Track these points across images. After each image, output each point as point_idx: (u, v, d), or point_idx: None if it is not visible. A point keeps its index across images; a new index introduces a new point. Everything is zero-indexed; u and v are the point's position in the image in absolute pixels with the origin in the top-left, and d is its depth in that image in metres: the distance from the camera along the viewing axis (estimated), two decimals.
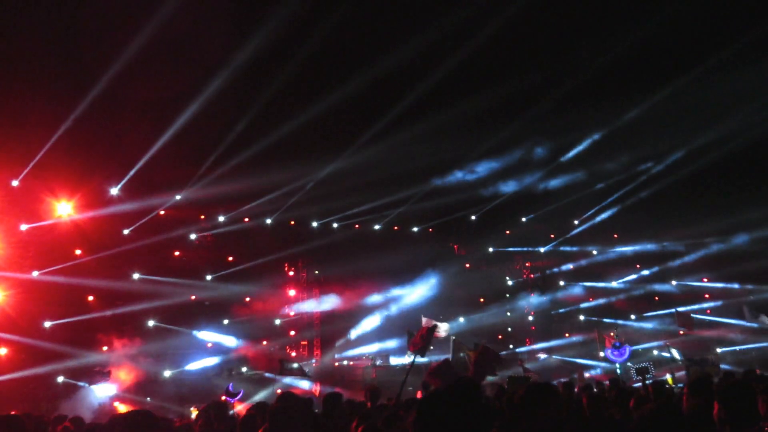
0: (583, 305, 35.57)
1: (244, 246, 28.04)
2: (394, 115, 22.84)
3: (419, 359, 7.83)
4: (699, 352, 28.04)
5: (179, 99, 20.53)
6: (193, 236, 27.03)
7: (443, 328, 18.21)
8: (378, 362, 30.07)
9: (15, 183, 21.19)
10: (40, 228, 22.09)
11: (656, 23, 20.96)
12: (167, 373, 25.60)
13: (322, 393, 26.57)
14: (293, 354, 30.52)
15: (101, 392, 23.20)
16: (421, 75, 22.27)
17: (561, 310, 35.74)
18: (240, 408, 18.16)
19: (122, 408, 22.57)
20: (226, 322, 27.87)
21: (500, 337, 33.31)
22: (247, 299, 28.57)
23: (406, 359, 28.82)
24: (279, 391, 25.73)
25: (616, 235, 35.10)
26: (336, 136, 24.78)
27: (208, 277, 27.49)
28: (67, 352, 22.10)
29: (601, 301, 35.25)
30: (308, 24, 20.15)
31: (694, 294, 34.20)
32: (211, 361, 27.25)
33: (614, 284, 35.59)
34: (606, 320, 33.26)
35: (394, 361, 30.13)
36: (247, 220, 27.88)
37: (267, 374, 27.55)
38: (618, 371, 27.44)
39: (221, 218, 27.08)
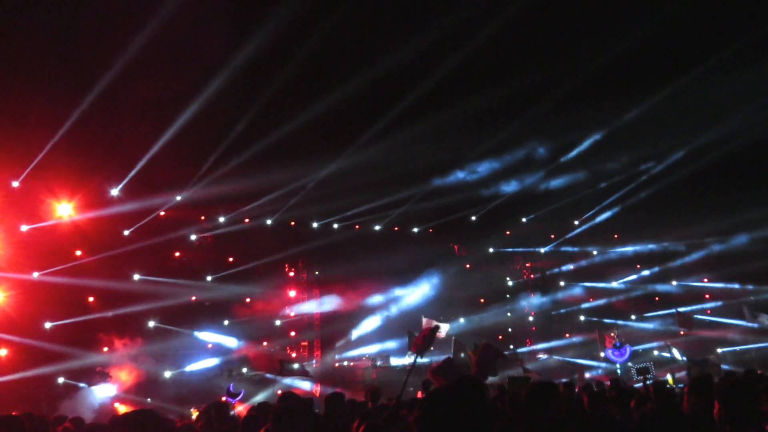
0: (584, 306, 35.58)
1: (245, 247, 28.02)
2: (394, 116, 22.86)
3: (420, 360, 7.83)
4: (700, 353, 28.06)
5: (179, 99, 20.54)
6: (193, 237, 27.03)
7: (443, 329, 18.22)
8: (378, 363, 30.06)
9: (15, 184, 21.18)
10: (40, 229, 22.08)
11: (656, 23, 20.97)
12: (167, 374, 25.59)
13: (322, 393, 26.57)
14: (293, 355, 30.52)
15: (101, 393, 23.19)
16: (421, 75, 22.28)
17: (561, 311, 35.74)
18: (240, 409, 18.18)
19: (122, 408, 22.56)
20: (226, 322, 27.87)
21: (500, 337, 33.28)
22: (248, 300, 28.57)
23: (407, 360, 28.82)
24: (279, 391, 25.76)
25: (616, 236, 35.11)
26: (336, 137, 24.79)
27: (209, 278, 27.50)
28: (67, 352, 22.10)
29: (602, 301, 35.24)
30: (308, 24, 20.15)
31: (695, 294, 34.20)
32: (212, 361, 27.24)
33: (614, 284, 35.60)
34: (606, 320, 33.27)
35: (395, 361, 30.12)
36: (247, 220, 27.88)
37: (267, 375, 27.54)
38: (618, 371, 27.47)
39: (221, 219, 27.09)
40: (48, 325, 22.43)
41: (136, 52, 17.90)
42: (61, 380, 22.74)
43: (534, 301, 35.62)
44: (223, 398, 17.55)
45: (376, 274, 29.06)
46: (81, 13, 18.29)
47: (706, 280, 34.37)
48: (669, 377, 23.90)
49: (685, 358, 27.15)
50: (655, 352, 32.00)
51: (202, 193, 24.60)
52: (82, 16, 18.34)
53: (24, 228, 21.72)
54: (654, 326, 33.77)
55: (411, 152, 23.44)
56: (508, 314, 34.95)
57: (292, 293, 31.24)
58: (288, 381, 27.04)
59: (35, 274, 21.90)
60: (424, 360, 17.47)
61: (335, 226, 29.85)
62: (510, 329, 34.82)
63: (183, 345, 26.58)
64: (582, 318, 35.40)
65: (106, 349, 24.12)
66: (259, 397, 25.30)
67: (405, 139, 22.71)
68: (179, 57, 19.58)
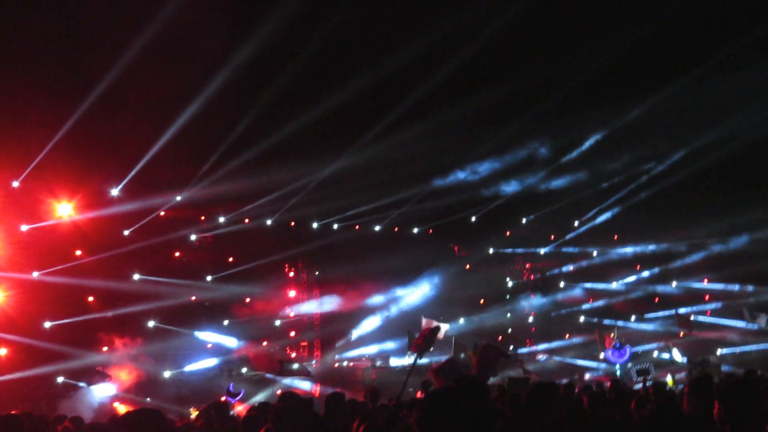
0: (584, 306, 35.58)
1: (245, 247, 28.00)
2: (395, 116, 22.87)
3: (419, 360, 7.84)
4: (700, 354, 28.06)
5: (179, 99, 20.53)
6: (193, 237, 27.00)
7: (443, 330, 18.24)
8: (378, 363, 30.07)
9: (15, 184, 21.18)
10: (40, 229, 22.08)
11: (656, 24, 20.96)
12: (167, 374, 25.59)
13: (322, 394, 26.57)
14: (293, 355, 30.53)
15: (101, 392, 23.19)
16: (422, 76, 22.27)
17: (561, 312, 35.73)
18: (240, 409, 18.19)
19: (122, 408, 22.56)
20: (226, 322, 27.86)
21: (500, 338, 33.28)
22: (248, 300, 28.57)
23: (406, 360, 28.84)
24: (279, 391, 25.76)
25: (616, 237, 35.09)
26: (336, 137, 24.76)
27: (209, 278, 27.48)
28: (67, 352, 22.10)
29: (602, 302, 35.23)
30: (307, 24, 20.14)
31: (695, 295, 34.20)
32: (211, 361, 27.24)
33: (614, 285, 35.58)
34: (606, 321, 33.27)
35: (394, 362, 30.13)
36: (247, 220, 27.86)
37: (267, 375, 27.55)
38: (618, 373, 27.47)
39: (221, 219, 27.07)
40: (48, 324, 22.42)
41: (136, 52, 17.91)
42: (60, 380, 22.74)
43: (534, 301, 35.64)
44: (223, 398, 17.57)
45: (376, 275, 29.07)
46: (81, 13, 18.28)
47: (706, 281, 34.35)
48: (669, 378, 23.92)
49: (685, 359, 27.18)
50: (655, 353, 32.02)
51: (202, 193, 24.60)
52: (81, 16, 18.34)
53: (24, 228, 21.72)
54: (654, 327, 33.78)
55: (411, 153, 23.44)
56: (508, 315, 34.95)
57: (292, 293, 31.24)
58: (288, 381, 27.07)
59: (35, 274, 21.89)
60: (424, 361, 17.48)
61: (335, 226, 29.83)
62: (510, 330, 34.82)
63: (183, 345, 26.57)
64: (582, 319, 35.40)
65: (105, 348, 24.13)
66: (259, 397, 25.31)
67: (405, 139, 22.72)
68: (179, 57, 19.56)
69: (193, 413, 19.21)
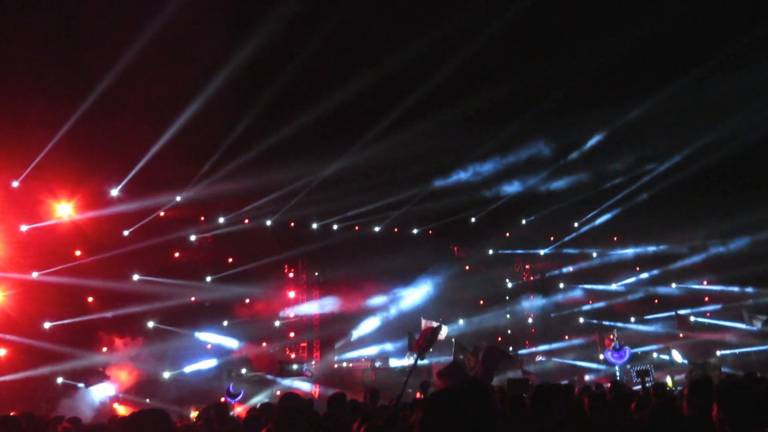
0: (584, 308, 35.59)
1: (244, 247, 27.99)
2: (395, 117, 22.86)
3: (420, 361, 7.82)
4: (700, 355, 28.10)
5: (179, 100, 20.53)
6: (193, 237, 27.00)
7: (442, 332, 18.25)
8: (377, 364, 30.06)
9: (15, 184, 21.17)
10: (40, 229, 22.07)
11: (655, 24, 20.96)
12: (167, 374, 25.57)
13: (321, 395, 26.60)
14: (293, 356, 30.54)
15: (101, 393, 23.18)
16: (422, 76, 22.26)
17: (561, 313, 35.73)
18: (240, 410, 18.18)
19: (121, 409, 22.55)
20: (225, 323, 27.85)
21: (500, 339, 33.31)
22: (247, 301, 28.56)
23: (406, 361, 28.85)
24: (278, 392, 25.78)
25: (615, 238, 35.11)
26: (336, 137, 24.75)
27: (208, 279, 27.48)
28: (66, 352, 22.08)
29: (602, 303, 35.24)
30: (307, 25, 20.14)
31: (695, 297, 34.22)
32: (211, 362, 27.22)
33: (614, 287, 35.60)
34: (606, 323, 33.29)
35: (394, 363, 30.12)
36: (247, 221, 27.86)
37: (267, 376, 27.55)
38: (618, 374, 27.47)
39: (221, 219, 27.08)
40: (47, 325, 22.40)
41: (136, 52, 17.91)
42: (60, 380, 22.71)
43: (534, 302, 35.64)
44: (223, 399, 17.57)
45: (375, 276, 29.07)
46: (80, 13, 18.28)
47: (705, 282, 34.38)
48: (668, 380, 23.92)
49: (686, 361, 27.21)
50: (655, 355, 32.04)
51: (202, 194, 24.61)
52: (81, 16, 18.33)
53: (24, 228, 21.71)
54: (654, 329, 33.80)
55: (411, 153, 23.42)
56: (508, 316, 34.97)
57: (292, 294, 31.26)
58: (288, 382, 27.08)
59: (35, 274, 21.87)
60: (424, 362, 17.50)
61: (335, 227, 29.83)
62: (509, 331, 34.85)
63: (182, 345, 26.54)
64: (581, 320, 35.41)
65: (105, 349, 24.11)
66: (258, 398, 25.31)
67: (405, 140, 22.70)
68: (179, 57, 19.55)
69: (194, 414, 19.22)
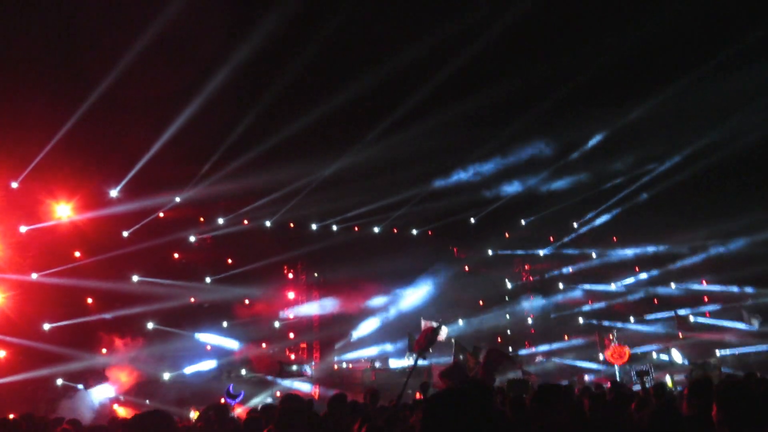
0: (583, 308, 35.60)
1: (244, 248, 27.98)
2: (394, 117, 22.86)
3: (420, 362, 7.83)
4: (700, 355, 28.12)
5: (178, 100, 20.51)
6: (192, 238, 26.98)
7: (443, 332, 18.25)
8: (377, 365, 30.07)
9: (14, 185, 21.16)
10: (39, 230, 22.05)
11: (655, 24, 20.96)
12: (166, 376, 25.55)
13: (321, 395, 26.59)
14: (292, 357, 30.54)
15: (100, 394, 23.16)
16: (422, 76, 22.26)
17: (560, 313, 35.74)
18: (239, 411, 18.15)
19: (121, 410, 22.53)
20: (225, 324, 27.83)
21: (499, 340, 33.31)
22: (247, 301, 28.54)
23: (406, 362, 28.85)
24: (278, 393, 25.79)
25: (615, 238, 35.13)
26: (336, 138, 24.74)
27: (208, 280, 27.46)
28: (66, 354, 22.05)
29: (601, 304, 35.24)
30: (307, 25, 20.13)
31: (694, 297, 34.24)
32: (210, 363, 27.20)
33: (613, 287, 35.60)
34: (606, 323, 33.30)
35: (394, 363, 30.13)
36: (246, 222, 27.85)
37: (268, 377, 27.54)
38: (617, 374, 27.49)
39: (221, 220, 27.06)
40: (47, 326, 22.37)
41: (136, 52, 17.90)
42: (59, 382, 22.69)
43: (533, 303, 35.64)
44: (222, 400, 17.55)
45: (375, 277, 29.06)
46: (80, 13, 18.26)
47: (705, 282, 34.40)
48: (668, 380, 23.94)
49: (686, 361, 27.22)
50: (654, 355, 32.05)
51: (201, 194, 24.59)
52: (80, 17, 18.32)
53: (23, 229, 21.69)
54: (653, 329, 33.81)
55: (410, 154, 23.42)
56: (507, 317, 34.96)
57: (291, 295, 31.25)
58: (287, 383, 27.07)
59: (34, 275, 21.86)
60: (424, 362, 17.49)
61: (334, 227, 29.83)
62: (509, 331, 34.83)
63: (182, 347, 26.52)
64: (581, 320, 35.42)
65: (105, 350, 24.08)
66: (258, 399, 25.31)
67: (404, 140, 22.70)
68: (179, 57, 19.54)
69: (194, 414, 19.21)
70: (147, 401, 23.76)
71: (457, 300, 31.30)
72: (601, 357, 30.16)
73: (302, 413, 5.05)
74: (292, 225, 29.16)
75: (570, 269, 36.19)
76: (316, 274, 31.82)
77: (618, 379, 25.25)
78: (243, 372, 27.87)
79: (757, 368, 21.48)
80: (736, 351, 31.07)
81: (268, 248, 28.09)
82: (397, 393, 7.93)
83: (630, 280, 35.49)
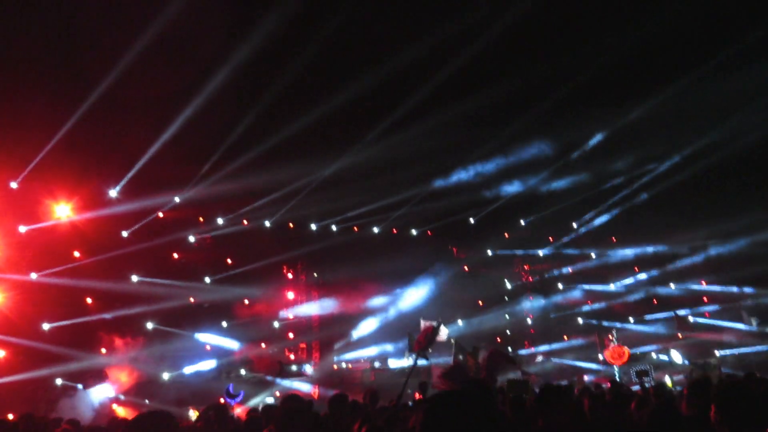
0: (582, 308, 35.61)
1: (243, 248, 27.97)
2: (394, 118, 22.86)
3: (419, 362, 7.82)
4: (699, 356, 28.12)
5: (178, 100, 20.50)
6: (192, 238, 26.95)
7: (443, 333, 18.22)
8: (377, 365, 30.06)
9: (14, 185, 21.12)
10: (38, 230, 22.02)
11: (656, 25, 20.96)
12: (166, 376, 25.55)
13: (321, 395, 26.59)
14: (292, 357, 30.53)
15: (100, 394, 23.16)
16: (422, 76, 22.26)
17: (560, 314, 35.75)
18: (239, 411, 18.14)
19: (121, 410, 22.52)
20: (224, 324, 27.82)
21: (499, 340, 33.32)
22: (246, 302, 28.53)
23: (405, 362, 28.84)
24: (277, 393, 25.77)
25: (614, 239, 35.14)
26: (335, 138, 24.74)
27: (207, 280, 27.45)
28: (65, 354, 22.04)
29: (601, 304, 35.26)
30: (307, 25, 20.13)
31: (693, 297, 34.26)
32: (210, 363, 27.20)
33: (613, 287, 35.61)
34: (605, 323, 33.31)
35: (393, 363, 30.12)
36: (246, 222, 27.83)
37: (268, 377, 27.54)
38: (617, 375, 27.49)
39: (220, 220, 27.05)
40: (46, 326, 22.36)
41: (135, 52, 17.89)
42: (59, 382, 22.68)
43: (533, 303, 35.64)
44: (222, 400, 17.53)
45: (375, 277, 29.06)
46: (80, 13, 18.26)
47: (704, 283, 34.41)
48: (667, 380, 23.93)
49: (686, 362, 27.22)
50: (654, 355, 32.05)
51: (200, 195, 24.56)
52: (80, 17, 18.31)
53: (22, 229, 21.66)
54: (653, 329, 33.82)
55: (410, 154, 23.41)
56: (507, 317, 34.97)
57: (291, 295, 31.25)
58: (287, 383, 27.07)
59: (33, 275, 21.84)
60: (423, 362, 17.47)
61: (334, 228, 29.82)
62: (508, 332, 34.83)
63: (182, 347, 26.51)
64: (580, 321, 35.43)
65: (104, 350, 24.07)
66: (258, 399, 25.30)
67: (404, 141, 22.70)
68: (179, 57, 19.53)
69: (192, 413, 19.20)
70: (146, 401, 23.76)
71: (456, 300, 31.29)
72: (600, 357, 30.15)
73: (303, 413, 5.05)
74: (291, 225, 29.15)
75: (569, 269, 36.21)
76: (315, 275, 31.82)
77: (617, 379, 25.25)
78: (243, 372, 27.86)
79: (756, 368, 21.49)
80: (736, 351, 31.08)
81: (267, 248, 28.09)
82: (396, 393, 7.92)
83: (629, 281, 35.51)
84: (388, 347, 30.45)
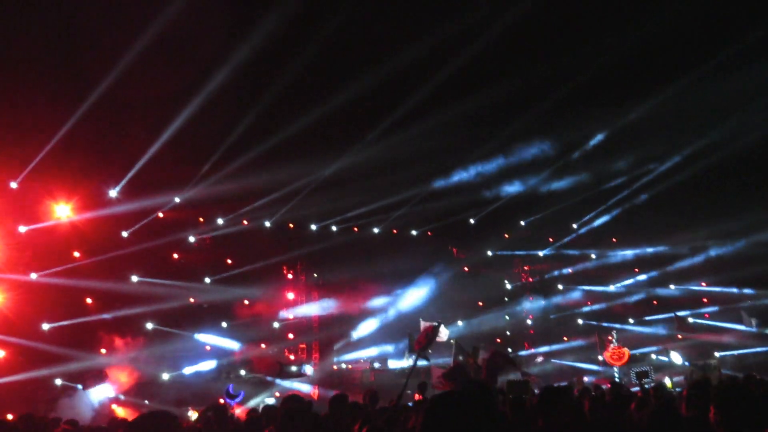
0: (582, 309, 35.59)
1: (243, 248, 27.95)
2: (394, 118, 22.86)
3: (420, 362, 7.81)
4: (699, 357, 28.10)
5: (178, 100, 20.50)
6: (191, 239, 26.94)
7: (443, 333, 18.17)
8: (376, 365, 30.03)
9: (13, 185, 21.11)
10: (38, 230, 22.00)
11: (656, 25, 20.96)
12: (166, 376, 25.53)
13: (320, 396, 26.57)
14: (292, 357, 30.52)
15: (100, 394, 23.14)
16: (422, 77, 22.27)
17: (560, 314, 35.73)
18: (239, 411, 18.13)
19: (120, 411, 22.50)
20: (224, 325, 27.80)
21: (499, 341, 33.30)
22: (246, 302, 28.50)
23: (405, 362, 28.81)
24: (277, 393, 25.75)
25: (614, 239, 35.13)
26: (335, 139, 24.76)
27: (207, 280, 27.43)
28: (65, 354, 22.01)
29: (601, 305, 35.24)
30: (307, 25, 20.13)
31: (693, 298, 34.25)
32: (210, 364, 27.17)
33: (613, 288, 35.61)
34: (605, 324, 33.28)
35: (393, 364, 30.09)
36: (245, 222, 27.82)
37: (267, 378, 27.52)
38: (616, 376, 27.48)
39: (220, 221, 27.03)
40: (46, 326, 22.34)
41: (135, 53, 17.89)
42: (59, 382, 22.66)
43: (533, 304, 35.63)
44: (221, 400, 17.53)
45: (374, 277, 29.07)
46: (79, 14, 18.26)
47: (704, 284, 34.40)
48: (667, 381, 23.92)
49: (687, 363, 27.20)
50: (654, 356, 32.03)
51: (200, 195, 24.56)
52: (80, 17, 18.31)
53: (22, 229, 21.64)
54: (653, 330, 33.80)
55: (410, 154, 23.42)
56: (506, 317, 34.95)
57: (291, 296, 31.22)
58: (287, 383, 27.05)
59: (33, 276, 21.82)
60: (423, 363, 17.47)
61: (334, 228, 29.81)
62: (508, 332, 34.81)
63: (181, 347, 26.48)
64: (580, 321, 35.41)
65: (104, 351, 24.05)
66: (257, 400, 25.28)
67: (404, 140, 22.70)
68: (178, 58, 19.53)
69: (192, 413, 19.19)
70: (146, 401, 23.74)
71: (456, 301, 31.26)
72: (600, 358, 30.13)
73: (304, 413, 5.04)
74: (291, 225, 29.14)
75: (569, 270, 36.20)
76: (315, 275, 31.78)
77: (617, 380, 25.24)
78: (242, 372, 27.83)
79: (756, 370, 21.48)
80: (736, 352, 31.06)
81: (267, 249, 28.08)
82: (396, 393, 7.92)
83: (629, 282, 35.51)
84: (388, 348, 30.43)
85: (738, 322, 30.44)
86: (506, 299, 35.73)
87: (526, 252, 36.28)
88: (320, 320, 31.32)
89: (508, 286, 36.41)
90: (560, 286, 36.25)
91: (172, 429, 4.29)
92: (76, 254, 23.32)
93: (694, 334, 31.78)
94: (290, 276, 31.78)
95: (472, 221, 32.17)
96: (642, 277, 35.21)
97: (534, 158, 27.05)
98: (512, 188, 29.25)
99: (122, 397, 23.79)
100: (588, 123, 25.55)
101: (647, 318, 34.61)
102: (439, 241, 32.57)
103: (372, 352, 30.73)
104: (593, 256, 35.63)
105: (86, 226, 23.05)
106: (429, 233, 32.39)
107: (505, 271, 36.58)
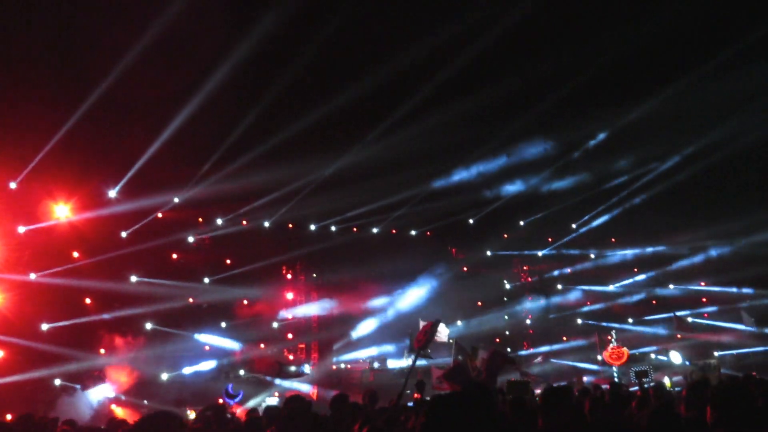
0: (582, 309, 35.58)
1: (242, 249, 27.92)
2: (394, 118, 22.85)
3: (418, 362, 7.80)
4: (698, 356, 28.09)
5: (177, 101, 20.49)
6: (191, 239, 26.92)
7: (443, 333, 18.18)
8: (376, 365, 30.02)
9: (13, 185, 21.08)
10: (37, 230, 21.97)
11: (656, 25, 20.95)
12: (165, 376, 25.50)
13: (320, 396, 26.56)
14: (291, 357, 30.51)
15: (99, 394, 23.12)
16: (422, 77, 22.28)
17: (559, 314, 35.72)
18: (239, 411, 18.12)
19: (119, 411, 22.48)
20: (224, 325, 27.78)
21: (498, 340, 33.27)
22: (246, 302, 28.48)
23: (404, 362, 28.81)
24: (276, 393, 25.73)
25: (614, 239, 35.13)
26: (335, 139, 24.75)
27: (206, 280, 27.41)
28: (64, 354, 21.99)
29: (600, 305, 35.23)
30: (307, 25, 20.13)
31: (692, 298, 34.24)
32: (209, 364, 27.15)
33: (612, 288, 35.60)
34: (604, 324, 33.27)
35: (392, 364, 30.08)
36: (245, 222, 27.79)
37: (267, 378, 27.50)
38: (615, 375, 27.47)
39: (219, 221, 27.02)
40: (45, 326, 22.32)
41: (135, 53, 17.88)
42: (58, 382, 22.64)
43: (532, 304, 35.62)
44: (221, 400, 17.52)
45: (374, 277, 29.05)
46: (79, 15, 18.26)
47: (703, 283, 34.40)
48: (666, 381, 23.92)
49: (687, 362, 27.19)
50: (653, 356, 32.02)
51: (200, 195, 24.54)
52: (79, 18, 18.31)
53: (21, 229, 21.61)
54: (652, 330, 33.79)
55: (410, 154, 23.42)
56: (506, 317, 34.93)
57: (290, 296, 31.20)
58: (286, 383, 27.03)
59: (32, 276, 21.79)
60: (423, 363, 17.43)
61: (333, 228, 29.80)
62: (507, 332, 34.80)
63: (181, 347, 26.46)
64: (580, 321, 35.40)
65: (103, 351, 24.02)
66: (257, 400, 25.26)
67: (404, 141, 22.70)
68: (178, 58, 19.54)
69: (190, 412, 19.16)
70: (145, 402, 23.72)
71: (455, 301, 31.23)
72: (599, 358, 30.12)
73: (305, 414, 5.04)
74: (291, 225, 29.13)
75: (569, 270, 36.19)
76: (314, 275, 31.75)
77: (616, 380, 25.24)
78: (242, 372, 27.81)
79: (755, 369, 21.47)
80: (735, 352, 31.06)
81: (266, 249, 28.05)
82: (395, 393, 7.90)
83: (629, 281, 35.51)
84: (387, 348, 30.41)
85: (737, 321, 30.45)
86: (505, 299, 35.72)
87: (525, 252, 36.27)
88: (319, 320, 31.31)
89: (508, 286, 36.40)
90: (560, 286, 36.24)
91: (176, 430, 4.27)
92: (76, 254, 23.30)
93: (693, 334, 31.76)
94: (289, 276, 31.77)
95: (471, 221, 32.16)
96: (641, 277, 35.20)
97: (534, 158, 27.07)
98: (512, 188, 29.28)
99: (122, 397, 23.77)
100: (588, 123, 25.57)
101: (647, 318, 34.61)
102: (439, 241, 32.57)
103: (371, 352, 30.71)
104: (593, 256, 35.62)
105: (85, 226, 23.03)
106: (428, 233, 32.38)
107: (505, 271, 36.56)
